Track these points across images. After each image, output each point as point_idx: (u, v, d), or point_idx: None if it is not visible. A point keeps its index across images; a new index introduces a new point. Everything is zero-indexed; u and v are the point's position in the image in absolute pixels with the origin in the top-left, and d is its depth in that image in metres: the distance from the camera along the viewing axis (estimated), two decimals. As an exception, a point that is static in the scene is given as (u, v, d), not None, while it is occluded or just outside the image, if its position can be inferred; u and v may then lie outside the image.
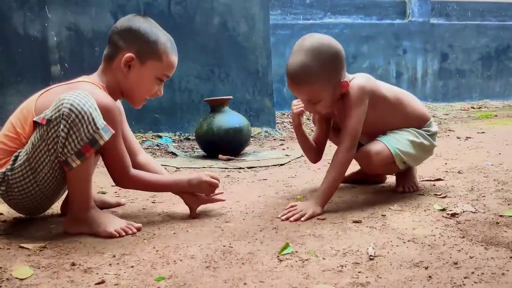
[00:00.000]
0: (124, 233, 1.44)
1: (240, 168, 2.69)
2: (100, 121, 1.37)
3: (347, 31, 6.57)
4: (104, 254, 1.30)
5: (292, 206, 1.64)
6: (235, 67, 4.01)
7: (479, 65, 7.46)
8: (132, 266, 1.21)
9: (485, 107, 6.72)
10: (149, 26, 1.53)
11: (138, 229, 1.48)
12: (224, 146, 3.04)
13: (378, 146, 1.76)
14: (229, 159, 2.97)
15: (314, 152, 1.94)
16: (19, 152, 1.43)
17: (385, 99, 1.77)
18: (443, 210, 1.62)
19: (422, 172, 2.30)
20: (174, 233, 1.48)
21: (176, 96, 3.81)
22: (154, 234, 1.47)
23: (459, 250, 1.25)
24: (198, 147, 3.39)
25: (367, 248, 1.27)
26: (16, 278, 1.12)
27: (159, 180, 1.63)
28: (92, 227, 1.44)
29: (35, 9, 3.47)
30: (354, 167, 2.14)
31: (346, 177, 2.18)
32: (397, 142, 1.78)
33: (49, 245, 1.37)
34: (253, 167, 2.71)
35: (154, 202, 1.88)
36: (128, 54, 1.50)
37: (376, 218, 1.56)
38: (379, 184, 2.12)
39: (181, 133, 3.81)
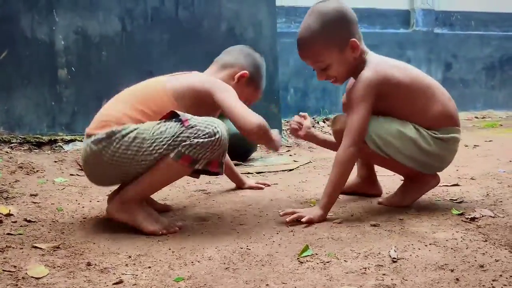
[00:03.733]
0: (166, 231, 1.46)
1: (248, 173, 2.67)
2: (214, 155, 1.45)
3: (351, 40, 6.56)
4: (119, 255, 1.27)
5: (293, 212, 1.59)
6: (241, 73, 3.99)
7: (483, 75, 7.44)
8: (149, 267, 1.18)
9: (488, 117, 6.70)
10: (263, 65, 1.83)
11: (180, 227, 1.50)
12: (232, 151, 2.99)
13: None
14: (236, 164, 2.94)
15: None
16: (140, 127, 1.46)
17: (398, 86, 1.62)
18: (461, 214, 1.59)
19: (434, 178, 2.28)
20: (189, 235, 1.45)
21: (182, 101, 3.79)
22: (168, 236, 1.44)
23: (484, 254, 1.22)
24: (204, 152, 3.36)
25: (389, 251, 1.24)
26: (32, 277, 1.10)
27: None
28: (136, 220, 1.46)
29: (43, 13, 3.47)
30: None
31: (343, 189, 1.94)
32: (379, 126, 1.62)
33: (63, 246, 1.34)
34: (262, 172, 2.69)
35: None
36: (246, 72, 1.73)
37: (394, 222, 1.54)
38: (376, 198, 1.89)
39: (187, 139, 3.79)
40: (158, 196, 1.97)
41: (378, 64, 1.64)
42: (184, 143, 1.41)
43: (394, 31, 6.84)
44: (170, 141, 1.42)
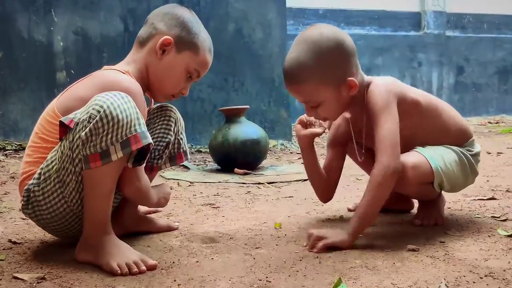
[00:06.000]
0: (127, 271, 1.15)
1: (259, 183, 2.46)
2: (125, 133, 1.15)
3: (361, 43, 6.38)
4: (115, 289, 1.06)
5: (317, 236, 1.33)
6: (250, 76, 3.80)
7: (496, 79, 7.25)
8: (151, 306, 0.97)
9: (502, 122, 6.49)
10: (194, 18, 1.43)
11: (152, 268, 1.18)
12: (241, 159, 2.81)
13: (416, 157, 1.42)
14: (246, 173, 2.75)
15: (324, 187, 1.61)
16: (43, 164, 1.23)
17: (416, 104, 1.47)
18: (511, 236, 1.38)
19: (465, 190, 2.06)
20: (197, 262, 1.24)
21: (187, 105, 3.60)
22: (173, 262, 1.24)
23: (555, 290, 1.01)
24: (210, 159, 3.16)
25: (439, 286, 1.03)
26: (5, 322, 0.89)
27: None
28: (98, 257, 1.19)
29: (41, 12, 3.29)
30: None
31: None
32: (438, 157, 1.44)
33: (49, 276, 1.14)
34: (274, 182, 2.48)
35: (169, 222, 1.65)
36: (167, 37, 1.37)
37: (435, 245, 1.33)
38: (406, 213, 1.72)
39: (192, 145, 3.59)
40: (162, 212, 1.77)
41: (393, 79, 1.47)
42: (80, 145, 1.15)
43: (405, 33, 6.65)
44: (71, 153, 1.17)
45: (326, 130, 1.62)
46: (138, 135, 1.16)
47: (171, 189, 1.55)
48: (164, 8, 1.44)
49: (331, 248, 1.29)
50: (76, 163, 1.18)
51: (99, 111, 1.13)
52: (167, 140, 1.48)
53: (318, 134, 1.54)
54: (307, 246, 1.33)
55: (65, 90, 1.35)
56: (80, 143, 1.15)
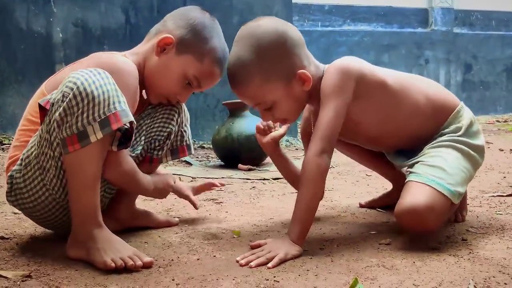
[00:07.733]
0: (122, 264, 1.04)
1: (264, 179, 2.36)
2: (103, 111, 1.05)
3: (367, 39, 6.29)
4: (107, 288, 0.96)
5: (258, 246, 1.19)
6: (254, 70, 3.70)
7: (504, 77, 7.14)
8: (145, 308, 0.87)
9: (510, 120, 6.38)
10: (209, 24, 1.31)
11: (148, 265, 1.07)
12: (245, 154, 2.71)
13: (424, 194, 1.18)
14: (250, 169, 2.65)
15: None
16: (25, 149, 1.16)
17: (382, 84, 1.29)
18: (539, 234, 1.28)
19: (482, 186, 1.97)
20: (198, 259, 1.14)
21: (190, 100, 3.45)
22: (172, 260, 1.14)
23: None
24: (213, 155, 3.07)
25: (467, 287, 0.93)
26: (-19, 325, 0.79)
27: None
28: (89, 252, 1.09)
29: (40, 3, 3.20)
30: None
31: (373, 201, 1.65)
32: (444, 174, 1.22)
33: (35, 274, 1.04)
34: (279, 178, 2.37)
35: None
36: (168, 36, 1.27)
37: (456, 243, 1.22)
38: None
39: (195, 141, 3.49)
40: (161, 207, 1.67)
41: (353, 57, 1.30)
42: (56, 127, 1.06)
43: (412, 30, 6.55)
44: (48, 137, 1.09)
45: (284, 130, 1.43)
46: (118, 113, 1.06)
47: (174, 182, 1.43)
48: (184, 8, 1.36)
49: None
50: (54, 148, 1.09)
51: (72, 88, 1.04)
52: (168, 130, 1.37)
53: (281, 136, 1.40)
54: (245, 259, 1.11)
55: (59, 71, 1.26)
56: (56, 125, 1.06)
